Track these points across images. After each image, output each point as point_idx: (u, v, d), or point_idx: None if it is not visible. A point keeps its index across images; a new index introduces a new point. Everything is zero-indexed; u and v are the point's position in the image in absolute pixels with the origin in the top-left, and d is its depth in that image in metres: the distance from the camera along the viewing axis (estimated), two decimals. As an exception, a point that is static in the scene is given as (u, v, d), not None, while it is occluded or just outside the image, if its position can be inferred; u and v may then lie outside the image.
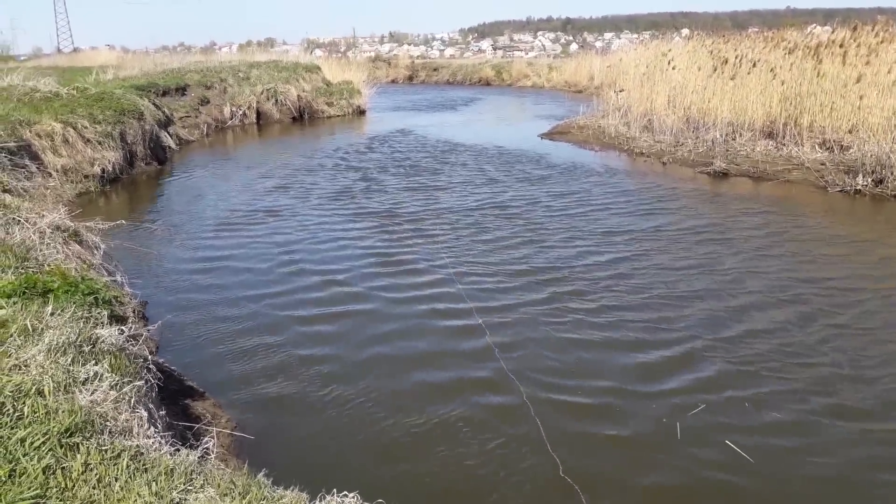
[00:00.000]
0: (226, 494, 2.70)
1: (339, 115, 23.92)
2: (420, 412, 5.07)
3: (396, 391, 5.40)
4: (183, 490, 2.69)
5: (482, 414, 5.03)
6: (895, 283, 7.72)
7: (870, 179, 11.97)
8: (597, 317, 6.76)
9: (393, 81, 39.24)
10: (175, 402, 4.94)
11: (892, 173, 11.76)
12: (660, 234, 9.62)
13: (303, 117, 22.99)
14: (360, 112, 24.62)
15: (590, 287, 7.56)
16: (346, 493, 2.83)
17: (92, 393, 3.15)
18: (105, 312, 4.02)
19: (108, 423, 3.04)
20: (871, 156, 12.14)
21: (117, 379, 3.36)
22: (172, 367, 5.50)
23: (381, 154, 16.12)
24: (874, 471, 4.36)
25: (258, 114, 22.11)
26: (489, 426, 4.85)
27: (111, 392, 3.22)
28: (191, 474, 2.84)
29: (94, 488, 2.60)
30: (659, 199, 11.75)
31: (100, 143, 13.05)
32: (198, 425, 4.11)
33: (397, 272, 8.12)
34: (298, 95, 23.16)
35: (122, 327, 4.03)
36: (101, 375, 3.31)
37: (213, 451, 3.25)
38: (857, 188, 11.95)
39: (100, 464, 2.72)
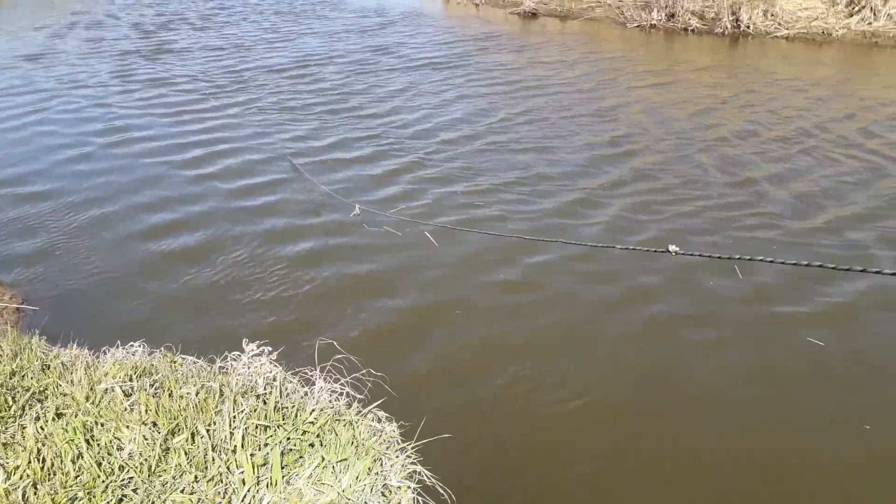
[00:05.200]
0: (-11, 359, 2.44)
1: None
2: (195, 259, 4.88)
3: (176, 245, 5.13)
4: (-66, 360, 2.39)
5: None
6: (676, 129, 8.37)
7: (663, 14, 12.60)
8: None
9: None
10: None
11: (682, 7, 12.44)
12: (468, 83, 9.64)
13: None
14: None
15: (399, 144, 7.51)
16: (132, 342, 2.67)
17: None
18: None
19: None
20: (665, -10, 12.71)
21: None
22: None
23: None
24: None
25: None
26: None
27: None
28: (-53, 345, 2.53)
29: None
30: (469, 45, 11.66)
31: None
32: (-31, 302, 3.66)
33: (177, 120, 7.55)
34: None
35: None
36: None
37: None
38: (653, 23, 12.56)
39: None
